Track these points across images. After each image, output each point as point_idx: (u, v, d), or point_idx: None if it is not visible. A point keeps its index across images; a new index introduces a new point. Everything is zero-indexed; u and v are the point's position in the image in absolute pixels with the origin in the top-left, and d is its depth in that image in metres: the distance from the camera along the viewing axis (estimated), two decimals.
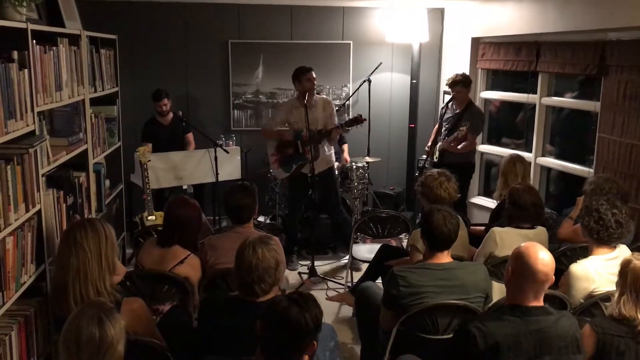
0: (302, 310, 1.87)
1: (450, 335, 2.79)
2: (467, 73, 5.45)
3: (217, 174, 5.28)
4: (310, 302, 1.93)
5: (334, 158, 5.34)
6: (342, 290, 4.75)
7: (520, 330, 2.28)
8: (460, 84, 5.16)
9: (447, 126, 5.34)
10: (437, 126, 5.56)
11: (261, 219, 6.13)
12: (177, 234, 3.28)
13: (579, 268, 2.97)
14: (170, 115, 5.70)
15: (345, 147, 6.23)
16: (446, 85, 5.31)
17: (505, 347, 2.26)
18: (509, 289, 2.44)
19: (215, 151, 5.26)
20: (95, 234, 2.49)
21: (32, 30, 2.77)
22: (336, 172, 5.49)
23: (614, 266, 2.80)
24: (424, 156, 5.78)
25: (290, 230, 5.44)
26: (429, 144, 5.53)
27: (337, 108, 6.29)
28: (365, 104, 6.20)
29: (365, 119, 5.08)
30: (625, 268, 2.51)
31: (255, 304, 2.33)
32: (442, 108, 5.53)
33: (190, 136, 5.86)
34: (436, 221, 2.85)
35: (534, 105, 5.35)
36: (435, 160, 5.33)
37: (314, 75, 4.97)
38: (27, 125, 2.74)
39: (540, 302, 2.37)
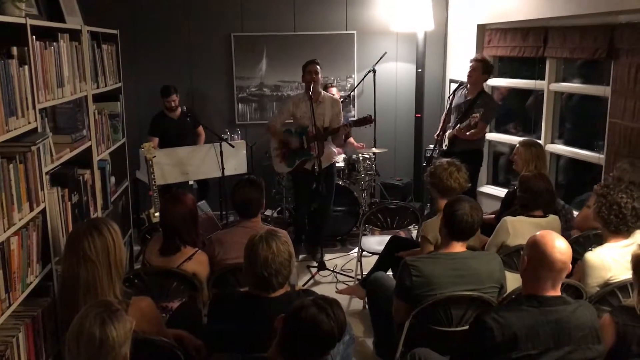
0: (329, 320, 1.85)
1: (465, 328, 2.75)
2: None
3: (223, 168, 5.23)
4: (336, 308, 1.90)
5: (336, 155, 5.34)
6: (351, 283, 4.71)
7: (538, 321, 2.23)
8: (479, 62, 5.01)
9: (457, 113, 5.23)
10: (445, 114, 5.43)
11: (268, 212, 6.09)
12: (178, 236, 3.22)
13: (594, 256, 2.92)
14: (179, 110, 5.68)
15: (351, 139, 6.18)
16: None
17: (523, 338, 2.21)
18: (525, 279, 2.38)
19: (220, 146, 5.21)
20: (103, 241, 2.39)
21: (31, 25, 2.71)
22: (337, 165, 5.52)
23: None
24: (432, 146, 5.69)
25: (299, 223, 5.46)
26: (438, 132, 5.39)
27: (342, 99, 6.26)
28: (371, 95, 6.13)
29: (373, 120, 5.09)
30: None
31: (268, 299, 2.30)
32: (450, 96, 5.43)
33: (201, 129, 5.93)
34: (462, 209, 2.81)
35: (542, 92, 5.27)
36: (444, 148, 5.23)
37: (317, 69, 4.96)
38: (29, 123, 2.69)
39: (557, 292, 2.32)
